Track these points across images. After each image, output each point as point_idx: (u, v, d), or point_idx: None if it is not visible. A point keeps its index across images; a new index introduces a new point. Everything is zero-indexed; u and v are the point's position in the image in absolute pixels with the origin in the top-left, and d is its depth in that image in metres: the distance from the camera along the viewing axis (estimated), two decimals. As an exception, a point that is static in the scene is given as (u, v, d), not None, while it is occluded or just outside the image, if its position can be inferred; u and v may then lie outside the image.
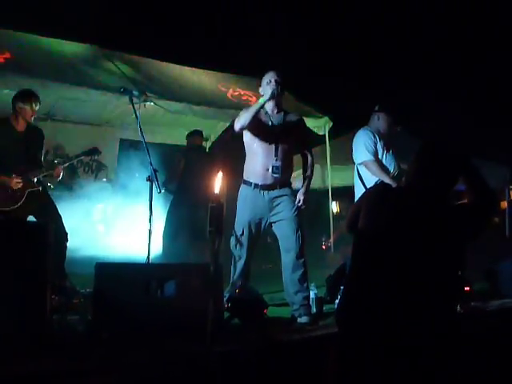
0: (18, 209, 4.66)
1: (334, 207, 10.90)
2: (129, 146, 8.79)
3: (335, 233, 8.12)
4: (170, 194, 6.68)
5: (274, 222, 4.42)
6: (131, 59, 7.23)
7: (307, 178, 4.55)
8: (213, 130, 9.37)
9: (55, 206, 4.95)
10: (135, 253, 6.15)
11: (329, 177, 8.06)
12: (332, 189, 8.05)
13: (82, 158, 5.29)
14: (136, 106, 4.91)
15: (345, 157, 7.17)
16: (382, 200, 2.59)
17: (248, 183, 4.43)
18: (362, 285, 2.46)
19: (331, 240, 8.23)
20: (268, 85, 4.33)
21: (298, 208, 4.40)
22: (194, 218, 6.56)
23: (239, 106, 6.90)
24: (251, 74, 8.48)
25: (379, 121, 5.10)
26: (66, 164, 5.01)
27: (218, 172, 3.75)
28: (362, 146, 4.99)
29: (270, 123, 4.39)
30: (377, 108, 5.17)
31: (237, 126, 4.31)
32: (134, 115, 4.71)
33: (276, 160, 4.29)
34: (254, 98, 7.27)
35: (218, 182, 3.45)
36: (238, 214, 4.48)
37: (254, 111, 4.26)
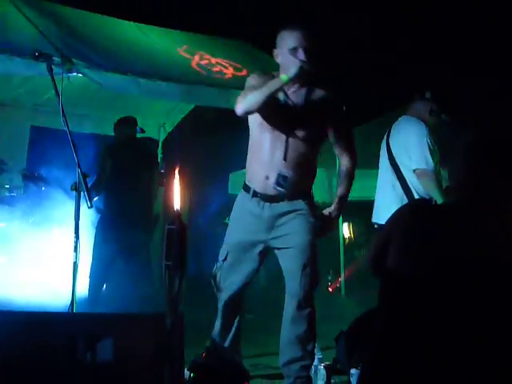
0: None
1: (346, 231, 10.93)
2: (44, 137, 8.76)
3: (348, 268, 8.13)
4: (97, 211, 6.62)
5: (279, 249, 4.35)
6: (49, 7, 7.20)
7: (341, 186, 4.50)
8: (169, 116, 9.44)
9: None
10: (53, 297, 6.08)
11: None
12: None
13: None
14: (57, 78, 4.88)
15: (363, 157, 7.18)
16: (424, 225, 2.51)
17: (247, 189, 4.37)
18: (401, 350, 2.40)
19: (341, 279, 8.24)
20: (292, 54, 4.07)
21: (319, 232, 4.34)
22: (132, 246, 6.55)
23: (208, 81, 6.95)
24: (228, 33, 8.52)
25: (430, 115, 5.25)
26: None
27: (174, 176, 3.70)
28: (425, 146, 5.13)
29: (287, 103, 4.22)
30: (428, 95, 5.27)
31: (240, 109, 4.11)
32: (52, 92, 4.68)
33: (284, 165, 4.19)
34: (231, 69, 7.28)
35: (176, 191, 3.41)
36: (228, 230, 4.50)
37: (269, 92, 4.01)
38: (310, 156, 4.33)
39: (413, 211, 2.65)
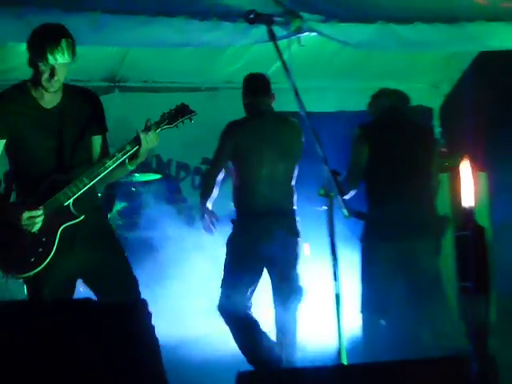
0: (48, 272, 4.82)
1: None
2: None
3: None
4: (359, 217, 6.66)
5: None
6: None
7: None
8: (443, 74, 9.34)
9: (125, 259, 5.17)
10: (313, 341, 6.24)
11: None
12: None
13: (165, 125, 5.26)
14: (281, 44, 5.02)
15: None
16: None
17: None
18: None
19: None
20: None
21: None
22: (414, 262, 6.57)
23: (496, 15, 6.75)
24: None
25: None
26: (161, 127, 5.06)
27: (460, 156, 3.69)
28: None
29: None
30: None
31: None
32: (276, 64, 4.83)
33: None
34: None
35: (466, 180, 3.41)
36: None
37: None
38: None
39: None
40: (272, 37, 4.83)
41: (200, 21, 6.07)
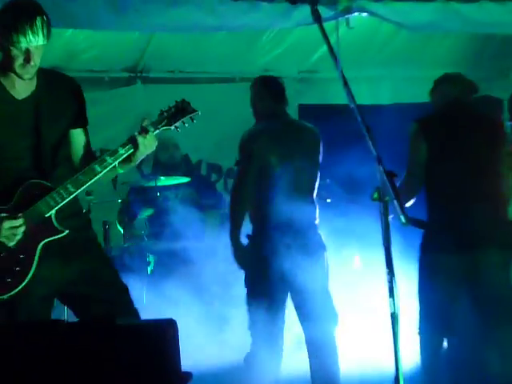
0: (29, 294, 4.64)
1: None
2: (318, 119, 9.00)
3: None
4: (418, 226, 6.63)
5: None
6: None
7: None
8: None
9: (110, 267, 5.03)
10: (367, 367, 6.27)
11: None
12: None
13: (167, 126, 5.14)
14: (327, 26, 5.04)
15: None
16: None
17: None
18: None
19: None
20: None
21: None
22: (482, 275, 6.54)
23: None
24: None
25: None
26: (159, 129, 4.78)
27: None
28: None
29: None
30: None
31: None
32: (321, 50, 4.84)
33: None
34: None
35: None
36: None
37: None
38: None
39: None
40: (317, 18, 4.79)
41: (234, 1, 6.10)
